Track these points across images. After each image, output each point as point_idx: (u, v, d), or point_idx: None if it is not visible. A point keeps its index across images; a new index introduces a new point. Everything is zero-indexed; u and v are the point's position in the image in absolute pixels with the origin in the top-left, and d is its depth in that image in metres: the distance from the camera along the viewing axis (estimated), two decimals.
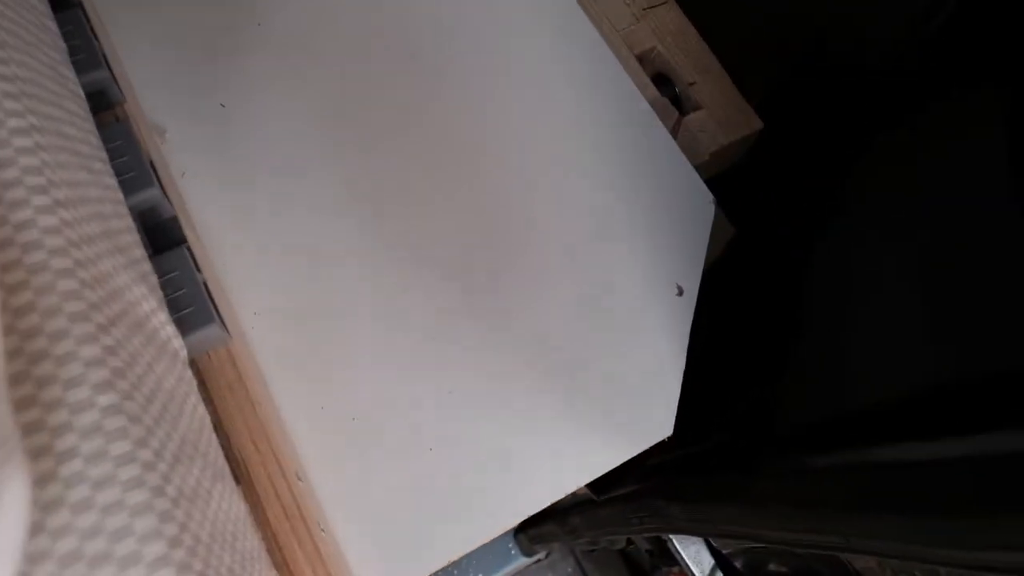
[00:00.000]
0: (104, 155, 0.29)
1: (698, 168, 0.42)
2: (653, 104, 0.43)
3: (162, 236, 0.32)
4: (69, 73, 0.30)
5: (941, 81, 0.33)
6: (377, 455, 0.32)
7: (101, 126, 0.32)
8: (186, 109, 0.38)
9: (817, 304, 0.38)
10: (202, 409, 0.25)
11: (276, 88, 0.39)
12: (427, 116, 0.40)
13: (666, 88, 0.46)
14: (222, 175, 0.36)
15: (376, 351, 0.34)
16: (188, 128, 0.37)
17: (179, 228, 0.32)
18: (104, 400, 0.19)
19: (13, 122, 0.21)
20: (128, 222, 0.27)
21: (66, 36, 0.33)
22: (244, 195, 0.36)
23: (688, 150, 0.42)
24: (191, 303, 0.29)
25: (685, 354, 0.36)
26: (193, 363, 0.30)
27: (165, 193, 0.33)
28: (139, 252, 0.27)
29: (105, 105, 0.34)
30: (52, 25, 0.31)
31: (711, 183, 0.44)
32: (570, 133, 0.40)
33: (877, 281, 0.33)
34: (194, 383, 0.26)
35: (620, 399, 0.34)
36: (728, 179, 0.47)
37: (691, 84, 0.45)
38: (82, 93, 0.31)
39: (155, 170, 0.34)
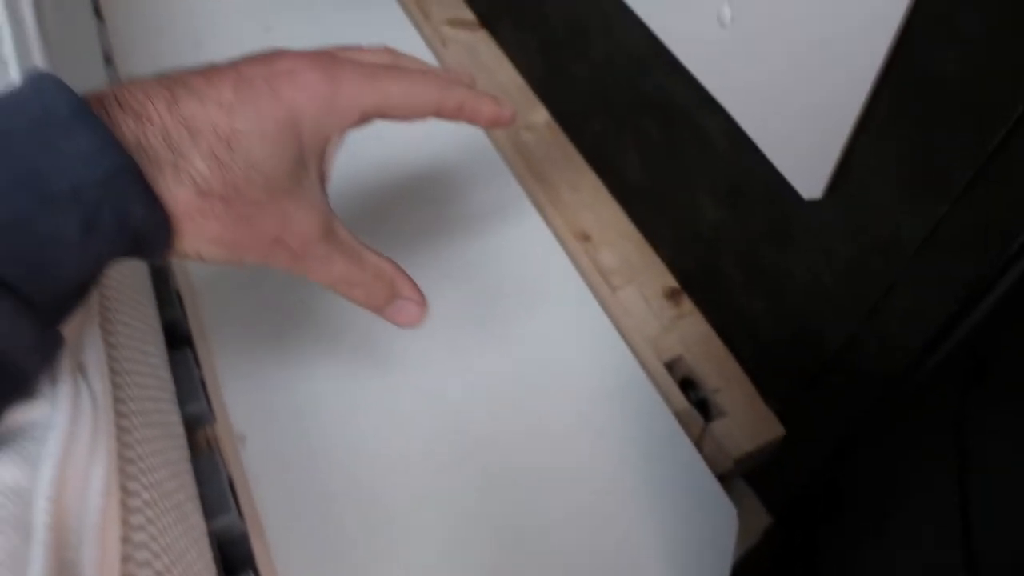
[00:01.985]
0: (193, 490, 0.35)
1: (725, 475, 0.46)
2: (680, 414, 0.47)
3: (232, 552, 0.36)
4: (175, 417, 0.36)
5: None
6: None
7: (192, 452, 0.37)
8: (266, 416, 0.44)
9: None
10: None
11: (350, 396, 0.45)
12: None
13: (694, 392, 0.50)
14: (295, 481, 0.41)
15: None
16: (266, 435, 0.43)
17: (248, 544, 0.37)
18: None
19: (131, 502, 0.27)
20: (202, 551, 0.32)
21: (174, 373, 0.39)
22: (319, 506, 0.41)
23: (713, 457, 0.46)
24: None
25: None
26: None
27: (239, 508, 0.38)
28: None
29: (196, 427, 0.40)
30: (166, 374, 0.37)
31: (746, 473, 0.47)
32: (593, 442, 0.44)
33: None
34: None
35: None
36: (766, 466, 0.50)
37: (716, 391, 0.49)
38: (183, 431, 0.37)
39: (232, 487, 0.39)
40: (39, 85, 0.22)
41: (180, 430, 0.36)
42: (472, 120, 0.33)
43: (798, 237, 0.41)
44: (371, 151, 0.51)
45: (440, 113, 0.32)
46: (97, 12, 0.59)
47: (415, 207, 0.56)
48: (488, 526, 0.41)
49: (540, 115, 0.64)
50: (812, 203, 0.38)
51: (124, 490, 0.27)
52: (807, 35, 0.34)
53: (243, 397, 0.44)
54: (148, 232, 0.24)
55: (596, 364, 0.49)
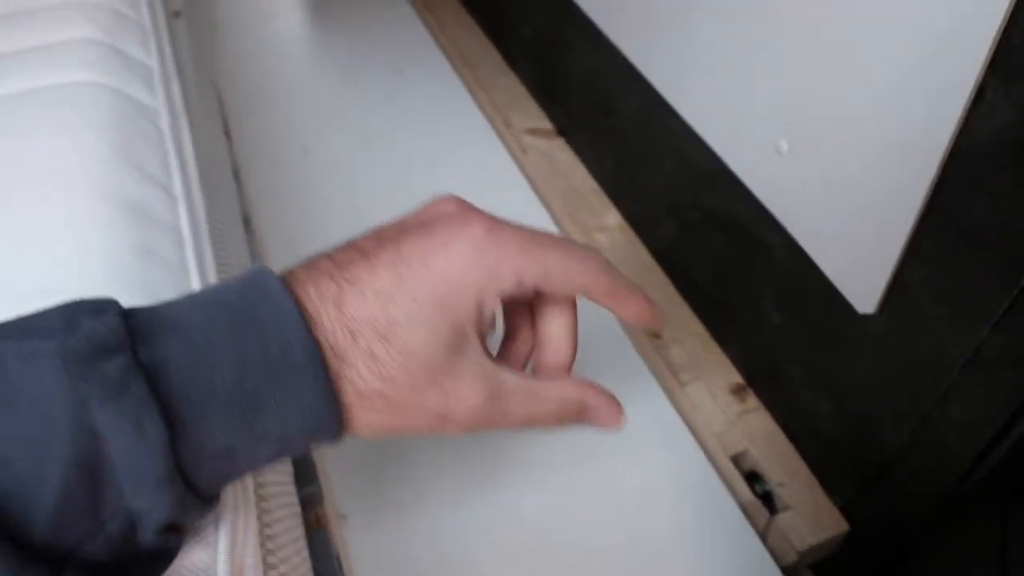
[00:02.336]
0: (309, 565, 0.39)
1: (790, 567, 0.48)
2: (746, 506, 0.50)
3: None
4: (294, 498, 0.41)
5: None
6: None
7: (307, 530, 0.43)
8: (368, 500, 0.49)
9: None
10: None
11: (447, 492, 0.50)
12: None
13: (759, 485, 0.53)
14: (390, 558, 0.46)
15: None
16: (367, 516, 0.48)
17: None
18: None
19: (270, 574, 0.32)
20: None
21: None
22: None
23: (778, 549, 0.48)
24: None
25: None
26: None
27: None
28: None
29: (309, 507, 0.45)
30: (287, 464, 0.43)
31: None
32: (660, 531, 0.48)
33: None
34: None
35: None
36: (832, 559, 0.52)
37: (781, 485, 0.52)
38: (300, 510, 0.42)
39: (340, 563, 0.43)
40: (278, 313, 0.23)
41: (298, 509, 0.41)
42: (617, 310, 0.31)
43: (855, 345, 0.45)
44: None
45: (591, 293, 0.30)
46: (227, 132, 0.68)
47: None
48: None
49: (613, 217, 0.69)
50: (867, 316, 0.42)
51: (265, 563, 0.32)
52: (855, 171, 0.38)
53: (347, 480, 0.49)
54: (323, 438, 0.25)
55: (665, 456, 0.52)
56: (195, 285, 0.35)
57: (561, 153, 0.75)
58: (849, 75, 0.37)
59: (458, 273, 0.26)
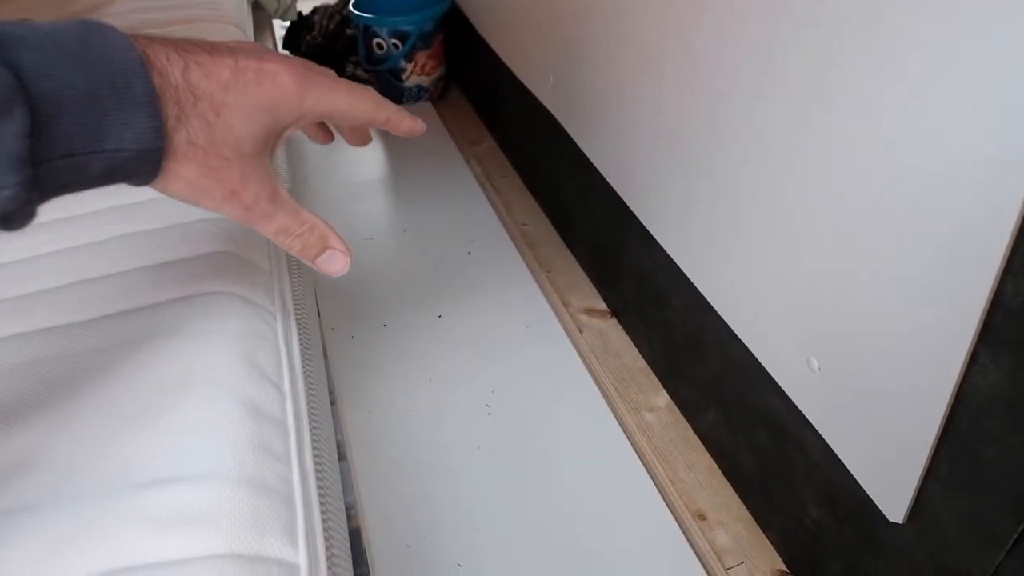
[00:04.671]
0: None
1: None
2: None
3: None
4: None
5: None
6: None
7: None
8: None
9: None
10: None
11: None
12: None
13: None
14: None
15: None
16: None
17: None
18: None
19: None
20: None
21: None
22: None
23: None
24: None
25: None
26: None
27: None
28: None
29: None
30: None
31: None
32: None
33: None
34: None
35: None
36: None
37: None
38: None
39: None
40: (125, 64, 0.29)
41: None
42: (394, 130, 0.41)
43: (888, 550, 0.48)
44: (510, 440, 0.62)
45: (374, 124, 0.40)
46: (324, 354, 0.77)
47: (541, 482, 0.66)
48: None
49: (662, 399, 0.74)
50: (897, 525, 0.45)
51: None
52: (878, 396, 0.43)
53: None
54: (147, 164, 0.30)
55: None
56: (295, 475, 0.41)
57: (614, 332, 0.82)
58: (869, 322, 0.42)
59: (279, 98, 0.34)
